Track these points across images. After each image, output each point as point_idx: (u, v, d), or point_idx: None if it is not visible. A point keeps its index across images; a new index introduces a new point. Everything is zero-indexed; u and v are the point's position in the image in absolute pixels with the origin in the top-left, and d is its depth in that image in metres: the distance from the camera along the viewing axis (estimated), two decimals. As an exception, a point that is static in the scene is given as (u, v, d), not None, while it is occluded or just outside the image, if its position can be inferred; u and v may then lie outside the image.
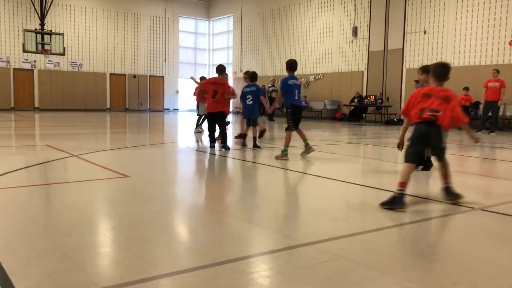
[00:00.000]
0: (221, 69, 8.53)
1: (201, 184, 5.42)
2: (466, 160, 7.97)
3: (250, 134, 8.86)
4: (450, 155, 7.17)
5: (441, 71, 4.29)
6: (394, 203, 3.88)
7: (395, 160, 7.36)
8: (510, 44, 15.25)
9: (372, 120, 19.60)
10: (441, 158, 4.29)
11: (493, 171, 6.79)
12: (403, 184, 3.98)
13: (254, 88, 8.64)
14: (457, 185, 4.47)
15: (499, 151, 9.57)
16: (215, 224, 3.42)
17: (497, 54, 15.72)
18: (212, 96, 8.12)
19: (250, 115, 8.69)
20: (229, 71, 28.32)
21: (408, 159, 4.16)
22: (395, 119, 18.36)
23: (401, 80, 18.89)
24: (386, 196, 4.02)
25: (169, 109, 28.39)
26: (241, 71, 27.18)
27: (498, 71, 13.45)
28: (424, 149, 4.30)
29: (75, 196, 4.28)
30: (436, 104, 4.15)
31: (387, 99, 19.35)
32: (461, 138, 11.30)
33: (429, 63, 18.39)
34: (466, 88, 14.91)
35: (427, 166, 6.12)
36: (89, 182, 5.01)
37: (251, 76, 8.82)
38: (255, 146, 8.40)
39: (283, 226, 3.41)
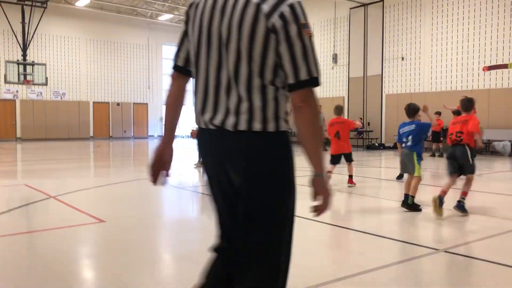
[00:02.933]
0: None
1: (181, 229, 5.45)
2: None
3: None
4: (423, 185, 7.32)
5: (466, 104, 5.79)
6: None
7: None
8: (483, 70, 15.71)
9: (354, 145, 19.84)
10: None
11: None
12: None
13: None
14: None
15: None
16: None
17: (471, 79, 16.16)
18: None
19: None
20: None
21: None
22: (376, 144, 18.63)
23: (381, 105, 19.25)
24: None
25: (153, 135, 28.42)
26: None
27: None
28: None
29: (48, 245, 4.29)
30: (458, 128, 5.64)
31: (368, 124, 19.67)
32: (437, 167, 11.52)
33: (407, 88, 18.81)
34: (438, 113, 15.20)
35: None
36: (64, 230, 5.02)
37: None
38: None
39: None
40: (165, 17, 26.80)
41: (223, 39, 1.72)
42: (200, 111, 1.86)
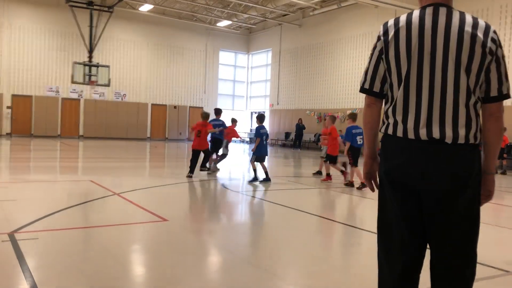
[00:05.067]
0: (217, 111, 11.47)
1: (241, 231, 5.54)
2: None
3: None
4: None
5: None
6: None
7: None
8: None
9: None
10: None
11: None
12: None
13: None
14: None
15: None
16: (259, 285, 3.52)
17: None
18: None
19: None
20: (267, 103, 28.75)
21: None
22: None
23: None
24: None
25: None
26: (277, 103, 27.53)
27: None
28: None
29: (114, 241, 4.50)
30: None
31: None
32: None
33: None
34: (504, 129, 14.50)
35: None
36: (128, 227, 5.24)
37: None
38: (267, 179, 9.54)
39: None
40: (223, 23, 27.34)
41: (439, 61, 2.00)
42: (416, 125, 2.05)
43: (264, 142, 9.74)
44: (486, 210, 7.24)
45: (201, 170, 10.59)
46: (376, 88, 2.19)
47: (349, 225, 5.98)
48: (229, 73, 30.67)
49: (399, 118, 2.10)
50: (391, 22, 2.16)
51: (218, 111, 11.73)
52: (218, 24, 27.67)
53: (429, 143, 2.01)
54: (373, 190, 2.31)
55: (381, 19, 20.46)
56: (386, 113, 2.18)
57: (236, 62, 30.86)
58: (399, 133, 2.09)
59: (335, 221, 6.25)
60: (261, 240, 5.16)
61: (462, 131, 1.99)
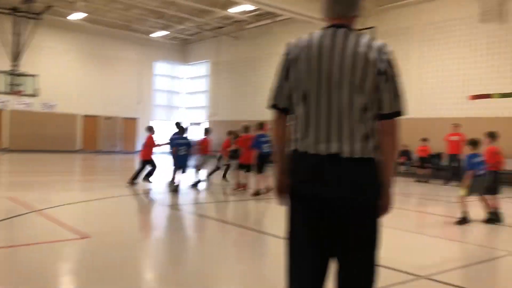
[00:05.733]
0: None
1: (165, 247, 5.46)
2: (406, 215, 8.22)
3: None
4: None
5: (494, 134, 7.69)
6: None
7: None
8: (469, 99, 16.02)
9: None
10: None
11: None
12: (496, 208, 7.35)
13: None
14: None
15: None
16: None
17: (457, 108, 16.45)
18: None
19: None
20: (205, 114, 28.65)
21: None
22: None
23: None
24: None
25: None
26: (216, 114, 27.54)
27: (457, 125, 14.07)
28: None
29: (29, 261, 4.28)
30: None
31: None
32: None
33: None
34: (425, 139, 15.38)
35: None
36: (48, 245, 5.00)
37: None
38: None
39: None
40: (158, 34, 27.01)
41: (335, 80, 2.12)
42: (316, 141, 2.16)
43: (183, 152, 9.94)
44: (402, 216, 7.66)
45: (143, 180, 10.66)
46: (282, 104, 2.30)
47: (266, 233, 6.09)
48: (166, 83, 30.28)
49: (301, 134, 2.21)
50: (294, 41, 2.28)
51: (179, 127, 10.48)
52: (153, 35, 27.29)
53: (329, 158, 2.13)
54: (282, 203, 2.37)
55: (313, 34, 21.14)
56: (292, 128, 2.29)
57: (173, 73, 30.55)
58: (302, 148, 2.21)
59: (264, 233, 6.32)
60: (185, 255, 5.12)
61: (357, 146, 2.12)
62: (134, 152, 27.69)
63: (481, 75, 15.87)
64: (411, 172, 15.66)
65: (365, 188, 2.13)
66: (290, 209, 2.29)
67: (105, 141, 27.04)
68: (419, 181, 14.58)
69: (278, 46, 23.50)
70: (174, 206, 8.40)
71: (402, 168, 15.77)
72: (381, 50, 2.13)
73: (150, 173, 10.82)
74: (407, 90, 17.02)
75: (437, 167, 16.01)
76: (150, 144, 10.99)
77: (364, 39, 2.16)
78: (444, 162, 14.87)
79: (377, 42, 2.17)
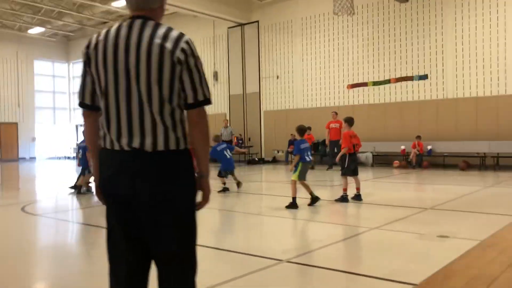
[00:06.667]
0: None
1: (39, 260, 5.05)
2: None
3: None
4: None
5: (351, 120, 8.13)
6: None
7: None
8: (348, 88, 17.13)
9: (236, 160, 20.19)
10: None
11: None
12: (346, 190, 7.89)
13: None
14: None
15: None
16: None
17: (338, 97, 17.52)
18: None
19: None
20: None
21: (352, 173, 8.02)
22: (256, 159, 19.23)
23: (260, 121, 19.97)
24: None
25: (25, 158, 26.17)
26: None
27: (336, 113, 14.97)
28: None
29: None
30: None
31: (249, 139, 20.26)
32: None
33: (283, 105, 19.62)
34: (309, 128, 16.16)
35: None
36: None
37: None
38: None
39: None
40: (35, 30, 25.05)
41: (134, 75, 2.04)
42: (118, 136, 2.09)
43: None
44: (273, 202, 7.95)
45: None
46: (88, 100, 2.21)
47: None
48: (48, 84, 28.22)
49: (106, 129, 2.14)
50: (94, 36, 2.20)
51: None
52: (29, 31, 25.24)
53: (132, 153, 2.08)
54: (102, 202, 2.27)
55: (202, 28, 21.11)
56: (100, 125, 2.19)
57: (55, 72, 28.56)
58: (107, 144, 2.14)
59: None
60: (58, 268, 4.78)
61: (160, 139, 2.07)
62: (15, 160, 25.50)
63: (359, 66, 17.02)
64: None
65: (171, 181, 2.08)
66: (106, 208, 2.22)
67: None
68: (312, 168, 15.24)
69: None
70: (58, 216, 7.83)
71: (291, 157, 16.39)
72: (178, 40, 2.09)
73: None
74: (294, 82, 17.76)
75: (322, 154, 16.93)
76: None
77: (162, 29, 2.10)
78: (327, 149, 15.74)
79: (175, 32, 2.12)
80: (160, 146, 2.07)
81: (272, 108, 19.56)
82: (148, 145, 2.06)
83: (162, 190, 2.08)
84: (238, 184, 9.90)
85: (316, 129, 16.47)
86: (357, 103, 17.01)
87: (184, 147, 2.14)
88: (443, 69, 15.30)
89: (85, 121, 2.27)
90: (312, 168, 15.05)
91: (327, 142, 15.41)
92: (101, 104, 2.15)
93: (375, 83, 16.47)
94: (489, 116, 14.41)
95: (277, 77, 19.25)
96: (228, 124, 19.44)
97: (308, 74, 18.36)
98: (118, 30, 2.12)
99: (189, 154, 2.18)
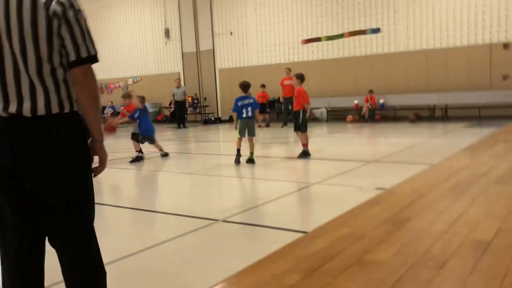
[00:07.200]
0: None
1: None
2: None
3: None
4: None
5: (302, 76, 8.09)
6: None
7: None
8: (302, 43, 16.93)
9: (192, 120, 19.95)
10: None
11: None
12: (305, 145, 7.89)
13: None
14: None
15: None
16: None
17: (292, 53, 17.32)
18: None
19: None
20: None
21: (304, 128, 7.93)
22: (212, 118, 19.00)
23: (215, 80, 19.60)
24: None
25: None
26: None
27: (290, 69, 14.82)
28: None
29: None
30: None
31: (205, 99, 19.92)
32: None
33: (237, 63, 19.26)
34: (263, 86, 16.05)
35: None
36: None
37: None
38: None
39: None
40: None
41: (4, 30, 1.84)
42: None
43: None
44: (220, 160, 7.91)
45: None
46: None
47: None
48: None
49: None
50: None
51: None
52: None
53: (11, 119, 1.90)
54: None
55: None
56: None
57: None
58: None
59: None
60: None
61: (40, 103, 1.89)
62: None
63: (312, 20, 16.77)
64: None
65: (54, 149, 1.91)
66: None
67: None
68: (259, 127, 15.17)
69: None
70: None
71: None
72: None
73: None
74: (248, 38, 17.25)
75: (278, 112, 16.89)
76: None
77: None
78: (282, 106, 15.67)
79: None
80: (41, 111, 1.89)
81: (228, 66, 19.18)
82: (26, 110, 1.88)
83: (45, 159, 1.91)
84: (165, 155, 8.82)
85: (271, 86, 16.31)
86: (311, 59, 16.89)
87: (70, 110, 1.97)
88: (394, 22, 15.30)
89: None
90: (268, 126, 15.01)
91: (281, 99, 15.32)
92: None
93: (329, 38, 16.33)
94: (439, 69, 14.65)
95: (231, 33, 18.77)
96: (182, 84, 18.92)
97: (261, 30, 17.99)
98: None
99: (76, 117, 2.01)
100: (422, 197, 4.61)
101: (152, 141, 8.71)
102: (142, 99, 8.84)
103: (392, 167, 6.84)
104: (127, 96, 9.16)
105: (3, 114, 1.90)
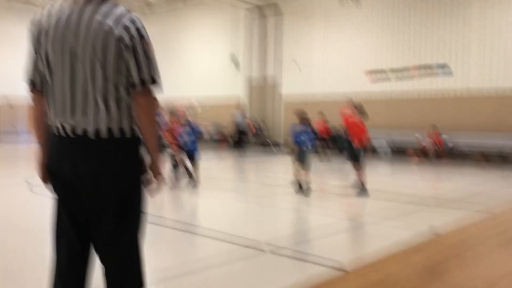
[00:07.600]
0: None
1: None
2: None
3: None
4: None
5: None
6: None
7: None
8: (365, 74, 16.75)
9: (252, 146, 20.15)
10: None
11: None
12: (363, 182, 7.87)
13: None
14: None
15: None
16: None
17: (354, 84, 17.10)
18: None
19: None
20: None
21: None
22: (273, 149, 19.10)
23: (280, 108, 19.75)
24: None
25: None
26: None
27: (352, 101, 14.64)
28: None
29: None
30: None
31: (265, 125, 20.16)
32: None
33: (301, 90, 19.04)
34: (321, 113, 15.85)
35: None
36: None
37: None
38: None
39: None
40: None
41: (80, 54, 1.98)
42: (63, 118, 2.04)
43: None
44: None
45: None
46: (36, 80, 2.14)
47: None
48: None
49: (51, 113, 2.10)
50: (38, 13, 2.13)
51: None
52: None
53: (76, 139, 2.04)
54: (48, 189, 2.26)
55: (220, 11, 20.84)
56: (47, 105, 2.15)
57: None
58: (52, 127, 2.10)
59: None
60: None
61: (103, 126, 2.02)
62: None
63: (377, 52, 16.60)
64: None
65: (113, 173, 2.04)
66: (53, 191, 2.20)
67: None
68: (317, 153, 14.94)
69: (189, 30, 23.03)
70: None
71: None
72: (121, 18, 2.02)
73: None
74: (312, 69, 17.13)
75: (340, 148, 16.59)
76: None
77: (106, 7, 2.04)
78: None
79: (119, 10, 2.05)
80: (104, 134, 2.03)
81: (292, 93, 19.20)
82: (92, 132, 2.02)
83: (104, 178, 2.04)
84: (191, 178, 8.28)
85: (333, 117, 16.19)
86: (375, 90, 16.61)
87: (131, 136, 2.10)
88: (462, 58, 14.76)
89: (32, 102, 2.19)
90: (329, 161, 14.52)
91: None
92: (48, 86, 2.10)
93: (394, 71, 16.07)
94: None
95: (295, 61, 18.93)
96: (244, 109, 19.23)
97: (327, 59, 18.03)
98: (62, 7, 2.07)
99: (136, 143, 2.13)
100: (470, 249, 4.44)
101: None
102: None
103: (451, 213, 6.55)
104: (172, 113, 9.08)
105: (70, 134, 2.04)
